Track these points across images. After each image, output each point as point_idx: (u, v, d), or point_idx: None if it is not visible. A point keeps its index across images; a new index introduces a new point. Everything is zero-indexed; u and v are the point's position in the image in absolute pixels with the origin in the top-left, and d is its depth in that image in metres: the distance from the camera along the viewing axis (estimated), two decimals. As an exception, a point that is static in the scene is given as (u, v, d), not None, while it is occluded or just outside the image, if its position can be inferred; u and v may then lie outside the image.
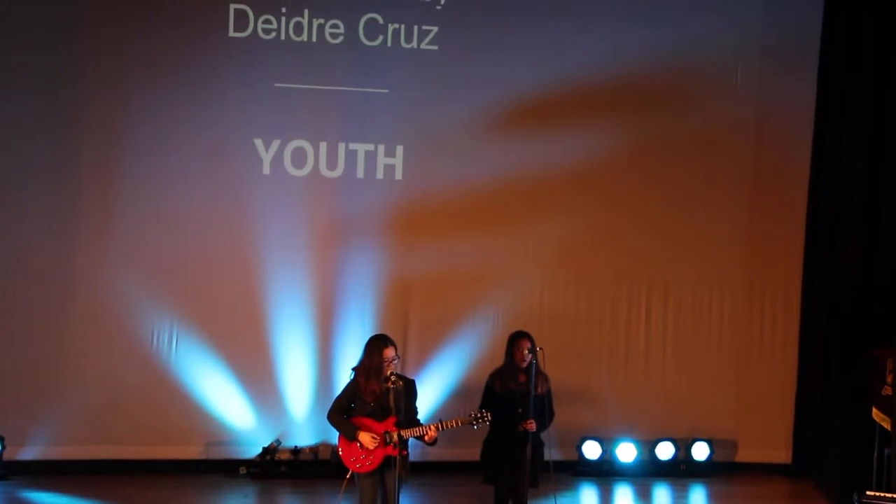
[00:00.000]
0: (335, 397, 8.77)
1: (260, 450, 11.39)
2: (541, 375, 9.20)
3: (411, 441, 8.56)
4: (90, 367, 11.09)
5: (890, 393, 10.20)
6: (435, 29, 11.53)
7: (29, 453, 11.04)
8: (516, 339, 9.35)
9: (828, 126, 11.92)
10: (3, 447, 10.89)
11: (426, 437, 8.49)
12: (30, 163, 10.94)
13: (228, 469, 11.36)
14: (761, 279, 12.09)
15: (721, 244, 12.03)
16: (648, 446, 11.94)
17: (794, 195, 12.04)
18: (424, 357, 11.54)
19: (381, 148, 11.53)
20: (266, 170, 11.36)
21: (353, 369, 8.68)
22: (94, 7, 11.00)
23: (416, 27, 11.50)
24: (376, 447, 8.42)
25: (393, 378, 8.42)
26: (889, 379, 10.29)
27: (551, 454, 9.64)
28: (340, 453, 8.61)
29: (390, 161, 11.55)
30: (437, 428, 8.52)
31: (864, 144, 11.78)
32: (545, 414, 9.19)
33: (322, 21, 11.36)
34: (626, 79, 11.71)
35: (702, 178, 11.94)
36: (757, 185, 12.01)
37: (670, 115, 11.86)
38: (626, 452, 11.87)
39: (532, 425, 9.04)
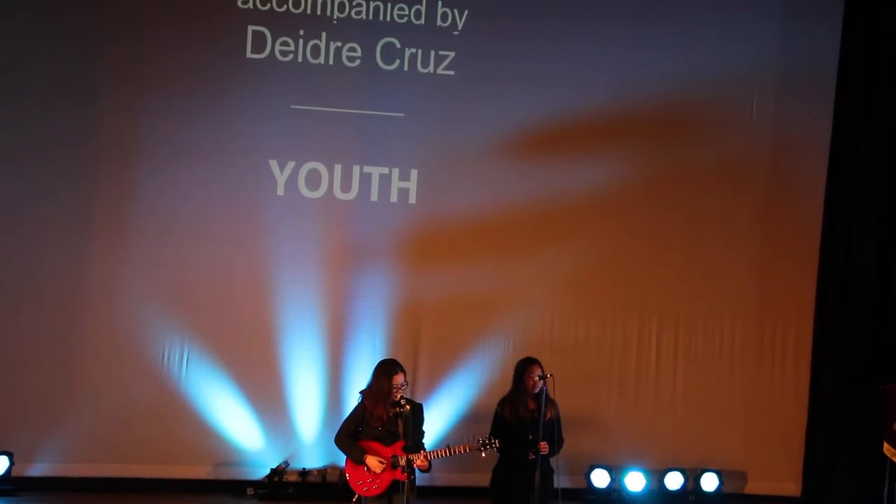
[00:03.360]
0: (343, 421, 8.79)
1: (268, 471, 11.37)
2: (550, 402, 9.16)
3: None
4: (100, 385, 11.10)
5: (901, 427, 10.24)
6: (452, 54, 11.59)
7: (38, 470, 11.04)
8: (527, 364, 9.32)
9: (842, 158, 11.93)
10: (13, 463, 10.90)
11: (416, 464, 8.45)
12: (44, 180, 10.98)
13: (236, 490, 11.35)
14: (773, 310, 12.08)
15: (733, 275, 12.02)
16: (657, 476, 11.89)
17: (808, 227, 12.03)
18: (434, 381, 11.53)
19: (396, 171, 11.57)
20: (280, 191, 11.39)
21: (361, 393, 8.70)
22: (112, 27, 11.07)
23: (432, 52, 11.56)
24: (383, 471, 8.43)
25: (402, 402, 8.43)
26: (899, 413, 10.33)
27: (560, 482, 9.55)
28: (348, 477, 8.62)
29: (404, 185, 11.58)
30: (436, 454, 8.57)
31: (878, 177, 11.80)
32: (554, 441, 9.15)
33: (339, 44, 11.42)
34: (642, 108, 11.75)
35: (715, 209, 11.95)
36: (770, 216, 12.02)
37: (685, 146, 11.89)
38: (635, 481, 11.83)
39: (545, 446, 9.01)
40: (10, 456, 10.92)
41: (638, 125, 11.77)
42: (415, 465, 8.46)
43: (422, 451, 8.54)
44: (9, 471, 10.92)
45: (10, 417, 10.96)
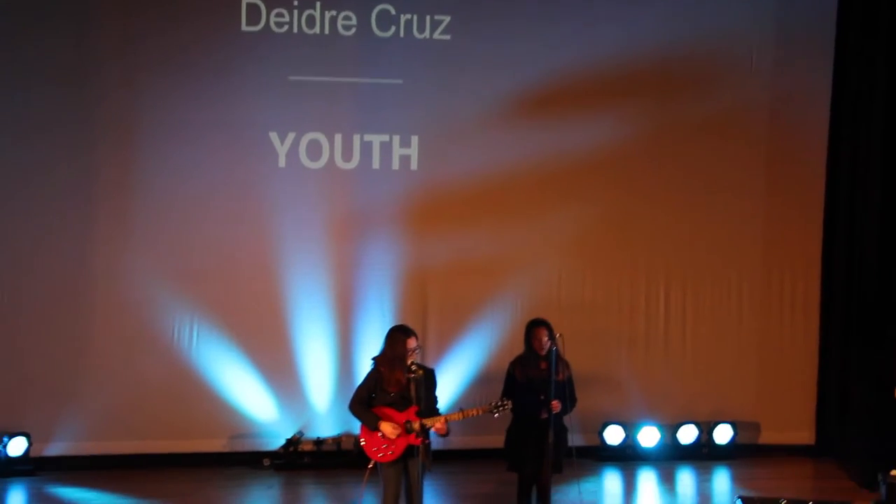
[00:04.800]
0: (356, 388, 8.83)
1: (283, 441, 11.48)
2: (561, 362, 9.19)
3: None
4: (113, 364, 11.18)
5: (912, 372, 10.32)
6: (447, 18, 11.56)
7: (55, 449, 11.15)
8: (533, 327, 9.34)
9: (844, 107, 11.92)
10: (30, 443, 11.02)
11: (434, 429, 8.57)
12: (41, 162, 11.01)
13: (252, 461, 11.46)
14: (780, 261, 12.12)
15: (739, 228, 12.06)
16: (671, 430, 11.98)
17: (812, 177, 12.06)
18: (444, 346, 11.59)
19: (397, 139, 11.57)
20: (282, 163, 11.41)
21: (374, 359, 8.74)
22: (105, 5, 11.07)
23: (428, 17, 11.54)
24: (398, 437, 8.49)
25: (414, 368, 8.50)
26: (911, 358, 10.41)
27: (574, 440, 9.64)
28: (363, 443, 8.66)
29: (406, 151, 11.60)
30: (451, 417, 8.60)
31: (881, 125, 11.74)
32: (566, 399, 9.19)
33: (334, 13, 11.40)
34: (641, 65, 11.73)
35: (718, 163, 11.96)
36: (773, 168, 12.04)
37: (686, 101, 11.88)
38: (649, 437, 11.93)
39: (557, 405, 9.04)
40: (28, 436, 11.02)
41: (637, 83, 11.77)
42: (434, 430, 8.54)
43: (441, 416, 8.61)
44: (27, 451, 11.03)
45: (25, 399, 11.06)
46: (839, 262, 12.04)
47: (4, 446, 10.94)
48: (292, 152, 11.44)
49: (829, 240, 12.12)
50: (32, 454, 11.09)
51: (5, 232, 11.02)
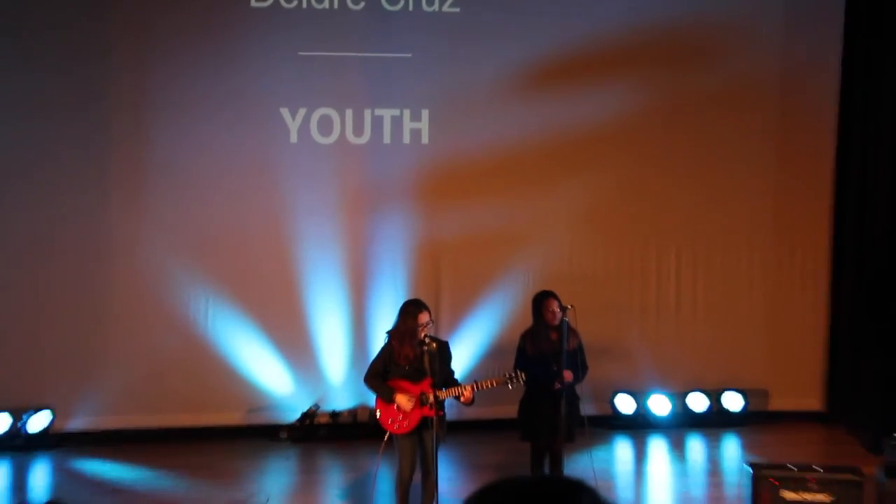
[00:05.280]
0: (371, 361, 8.90)
1: (299, 414, 11.59)
2: (572, 332, 9.18)
3: (448, 401, 8.68)
4: (131, 340, 11.30)
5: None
6: (456, -9, 11.51)
7: (77, 424, 11.30)
8: (543, 298, 9.32)
9: (854, 78, 11.89)
10: (53, 418, 11.17)
11: (462, 399, 8.58)
12: (58, 140, 11.11)
13: (270, 434, 11.57)
14: (790, 231, 12.17)
15: (749, 198, 12.09)
16: (681, 398, 12.05)
17: (822, 147, 12.07)
18: (457, 318, 11.66)
19: (407, 112, 11.62)
20: (293, 138, 11.47)
21: (388, 333, 8.79)
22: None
23: (437, -10, 11.51)
24: (413, 408, 8.56)
25: (427, 341, 8.54)
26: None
27: (586, 409, 9.70)
28: (378, 415, 8.72)
29: (416, 125, 11.64)
30: (472, 388, 8.63)
31: (891, 95, 11.67)
32: (578, 370, 9.23)
33: (343, -13, 11.37)
34: (651, 35, 11.75)
35: (729, 134, 11.99)
36: (783, 139, 12.06)
37: (696, 71, 11.90)
38: (660, 405, 12.01)
39: (569, 375, 9.06)
40: (51, 411, 11.18)
41: (648, 53, 11.79)
42: (461, 400, 8.59)
43: (468, 385, 8.66)
44: (50, 425, 11.19)
45: (48, 375, 11.20)
46: (849, 232, 12.04)
47: (27, 421, 11.08)
48: (304, 128, 11.49)
49: (839, 210, 12.13)
50: (55, 429, 11.23)
51: (25, 211, 11.13)
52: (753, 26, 11.96)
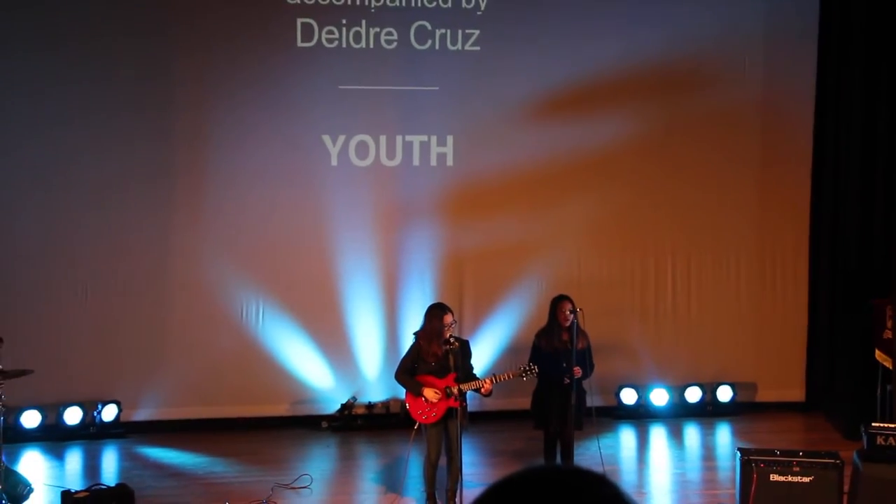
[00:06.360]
0: (401, 359, 8.98)
1: (339, 406, 11.58)
2: (581, 333, 9.22)
3: (469, 394, 8.77)
4: (190, 339, 11.36)
5: (890, 336, 10.31)
6: (477, 32, 11.60)
7: (142, 415, 11.34)
8: (559, 301, 9.37)
9: (827, 105, 11.90)
10: (120, 410, 11.23)
11: (482, 390, 8.67)
12: (131, 166, 11.17)
13: (312, 424, 11.57)
14: (773, 241, 12.12)
15: (735, 212, 12.04)
16: (678, 391, 12.03)
17: (799, 168, 12.00)
18: (479, 320, 11.67)
19: (434, 139, 11.63)
20: (334, 162, 11.49)
21: (415, 334, 8.88)
22: (180, 34, 11.25)
23: (460, 31, 11.57)
24: (439, 401, 8.62)
25: (452, 340, 8.61)
26: (889, 324, 10.39)
27: (593, 401, 9.73)
28: (408, 407, 8.83)
29: (442, 150, 11.65)
30: (491, 381, 8.72)
31: (860, 120, 11.69)
32: (586, 366, 9.28)
33: (378, 29, 11.47)
34: (644, 71, 11.73)
35: (715, 157, 11.94)
36: (765, 161, 12.00)
37: (686, 101, 11.88)
38: (659, 397, 11.98)
39: (578, 371, 9.10)
40: (118, 404, 11.25)
41: (643, 87, 11.78)
42: (482, 392, 8.67)
43: (488, 378, 8.70)
44: (118, 416, 11.26)
45: (115, 371, 11.26)
46: (825, 241, 12.04)
47: (99, 412, 11.17)
48: (343, 153, 11.53)
49: (816, 222, 12.11)
50: (122, 419, 11.30)
51: (96, 218, 11.18)
52: (737, 59, 11.95)
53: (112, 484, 9.24)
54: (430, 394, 8.63)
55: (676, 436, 11.58)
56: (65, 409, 11.06)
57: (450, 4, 11.61)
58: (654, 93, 11.85)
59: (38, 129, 11.05)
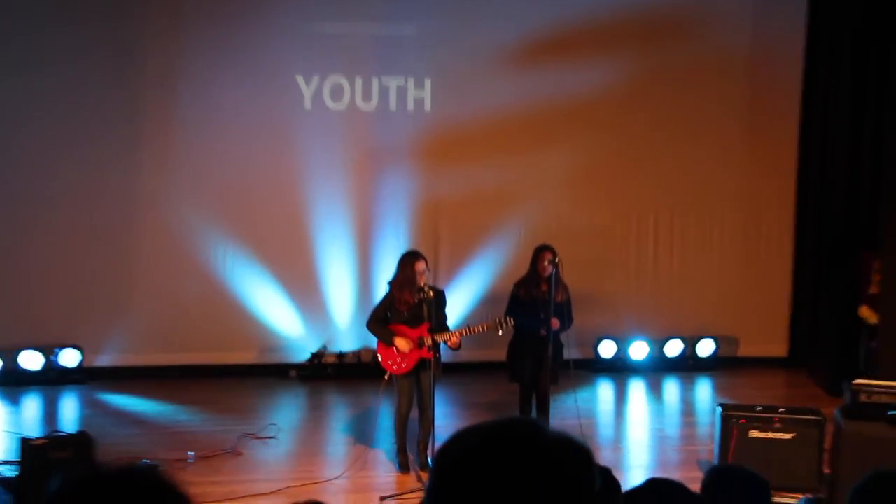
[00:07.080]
0: (373, 307, 8.84)
1: (308, 355, 11.51)
2: (561, 285, 9.11)
3: (442, 345, 8.62)
4: (156, 284, 11.21)
5: (877, 291, 10.18)
6: (458, -29, 11.45)
7: (104, 360, 11.21)
8: (540, 251, 9.22)
9: (818, 55, 11.75)
10: (83, 355, 11.06)
11: (449, 343, 8.54)
12: (98, 110, 10.98)
13: (281, 372, 11.50)
14: (758, 193, 12.03)
15: (720, 163, 11.94)
16: (659, 344, 11.96)
17: (786, 115, 11.92)
18: (454, 269, 11.57)
19: (412, 81, 11.49)
20: (308, 104, 11.34)
21: (389, 283, 8.75)
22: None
23: (441, -30, 11.44)
24: (411, 351, 8.50)
25: (426, 288, 8.45)
26: (875, 279, 10.28)
27: (571, 353, 9.57)
28: (379, 357, 8.71)
29: (420, 94, 11.51)
30: (459, 334, 8.60)
31: (849, 72, 11.49)
32: (564, 319, 9.13)
33: (357, -33, 11.32)
34: (629, 16, 11.56)
35: (700, 105, 11.83)
36: (751, 110, 11.92)
37: (671, 48, 11.71)
38: (639, 350, 11.91)
39: (556, 322, 8.97)
40: (80, 349, 11.06)
41: (627, 31, 11.62)
42: (448, 345, 8.55)
43: (456, 331, 8.61)
44: (80, 363, 11.08)
45: (78, 315, 11.10)
46: (811, 195, 11.95)
47: (57, 357, 10.98)
48: (317, 94, 11.38)
49: (803, 175, 12.03)
50: (85, 365, 11.14)
51: (60, 159, 11.00)
52: (724, 4, 11.79)
53: (72, 431, 9.01)
54: (401, 343, 8.53)
55: (655, 390, 11.52)
56: (20, 353, 10.87)
57: (430, -59, 11.41)
58: (638, 39, 11.67)
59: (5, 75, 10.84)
